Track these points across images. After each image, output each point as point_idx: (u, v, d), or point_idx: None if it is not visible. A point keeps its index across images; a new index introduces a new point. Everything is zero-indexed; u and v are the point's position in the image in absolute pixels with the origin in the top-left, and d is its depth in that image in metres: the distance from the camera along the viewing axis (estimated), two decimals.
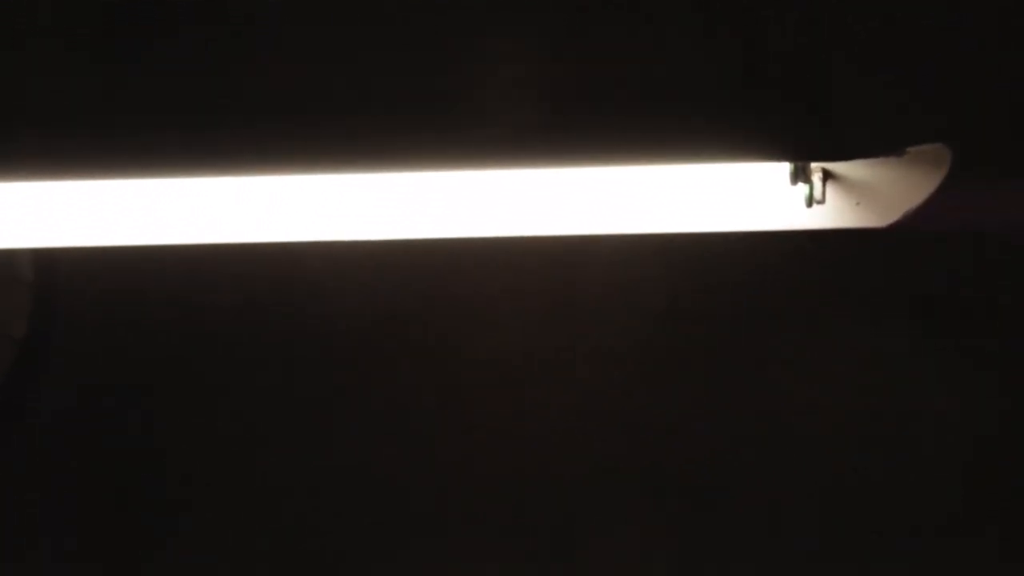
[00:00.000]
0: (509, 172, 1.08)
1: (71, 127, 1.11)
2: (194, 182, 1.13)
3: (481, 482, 2.56)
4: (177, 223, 1.17)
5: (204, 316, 2.62)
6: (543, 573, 2.40)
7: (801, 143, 1.00)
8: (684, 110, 1.04)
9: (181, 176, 1.11)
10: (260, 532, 2.51)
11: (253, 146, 1.07)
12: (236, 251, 1.28)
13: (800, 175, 1.04)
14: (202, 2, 1.26)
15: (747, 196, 1.08)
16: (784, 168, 1.05)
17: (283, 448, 2.65)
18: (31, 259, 1.82)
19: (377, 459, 2.63)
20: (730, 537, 2.40)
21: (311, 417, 2.69)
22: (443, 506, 2.52)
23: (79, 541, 2.58)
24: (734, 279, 2.51)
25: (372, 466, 2.63)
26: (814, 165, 1.04)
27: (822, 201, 1.05)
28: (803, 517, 2.37)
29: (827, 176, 1.05)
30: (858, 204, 1.07)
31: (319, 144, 1.08)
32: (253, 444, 2.66)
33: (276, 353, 2.64)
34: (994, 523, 2.29)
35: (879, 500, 2.37)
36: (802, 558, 2.35)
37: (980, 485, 2.32)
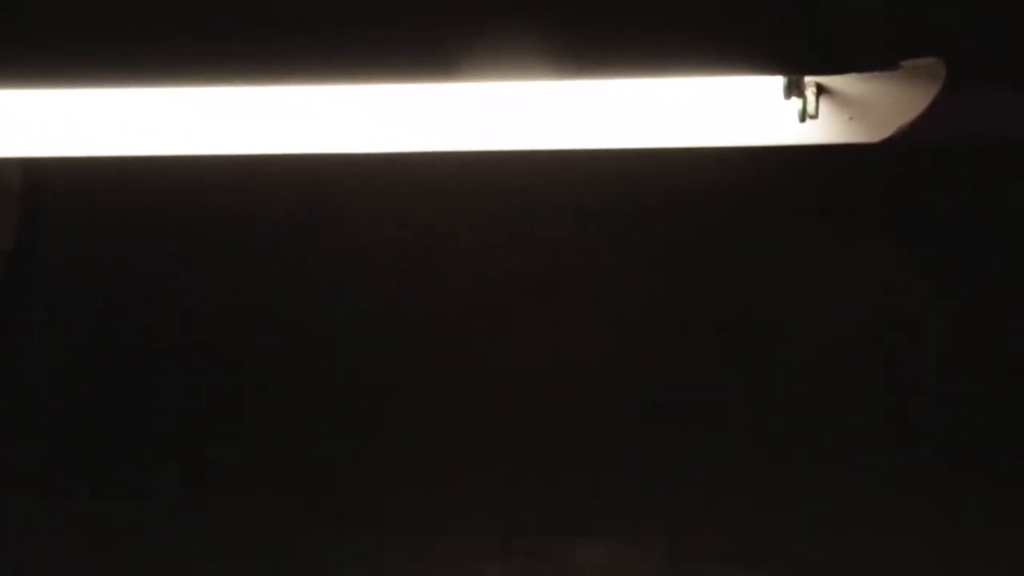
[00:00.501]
0: (493, 85, 1.07)
1: (60, 35, 1.08)
2: (182, 92, 1.12)
3: (474, 406, 2.62)
4: (165, 134, 1.16)
5: (191, 227, 2.63)
6: (533, 497, 2.49)
7: (795, 57, 0.99)
8: (676, 22, 1.02)
9: (171, 86, 1.09)
10: (245, 437, 2.58)
11: (241, 56, 1.06)
12: (223, 162, 1.27)
13: (793, 89, 1.04)
14: None
15: (739, 111, 1.08)
16: (777, 82, 1.04)
17: (270, 361, 2.69)
18: (19, 170, 1.81)
19: (369, 375, 2.67)
20: (719, 455, 2.48)
21: (298, 330, 2.72)
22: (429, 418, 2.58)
23: (69, 454, 2.64)
24: (725, 195, 2.52)
25: (362, 383, 2.68)
26: (808, 79, 1.04)
27: (815, 116, 1.04)
28: (792, 433, 2.44)
29: (820, 91, 1.05)
30: (851, 119, 1.07)
31: (307, 55, 1.06)
32: (240, 354, 2.71)
33: (265, 265, 2.66)
34: (980, 435, 2.37)
35: (867, 416, 2.45)
36: (791, 473, 2.44)
37: (965, 398, 2.39)
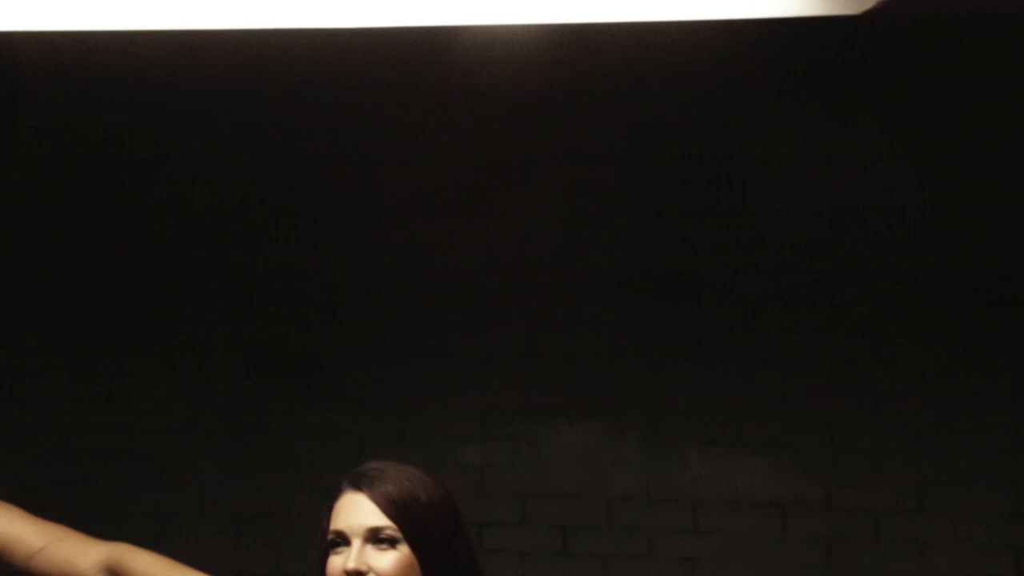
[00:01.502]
0: None
1: None
2: None
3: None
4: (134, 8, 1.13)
5: (163, 91, 2.56)
6: (512, 381, 2.50)
7: None
8: None
9: None
10: (229, 313, 2.57)
11: None
12: (196, 35, 1.24)
13: None
14: None
15: None
16: None
17: (250, 230, 2.65)
18: None
19: (351, 260, 2.65)
20: (695, 336, 2.51)
21: (281, 206, 2.68)
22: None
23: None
24: (703, 73, 2.45)
25: (343, 268, 2.66)
26: None
27: None
28: (766, 313, 2.46)
29: None
30: None
31: None
32: (215, 214, 2.68)
33: (228, 129, 2.60)
34: (955, 309, 2.38)
35: (844, 294, 2.46)
36: (771, 353, 2.46)
37: (949, 275, 2.38)
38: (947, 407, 2.32)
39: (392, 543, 0.96)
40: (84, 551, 1.11)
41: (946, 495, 2.26)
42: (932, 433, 2.29)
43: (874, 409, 2.37)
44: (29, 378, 2.60)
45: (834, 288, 2.48)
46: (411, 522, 0.96)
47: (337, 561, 0.97)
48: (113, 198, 2.63)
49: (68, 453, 2.54)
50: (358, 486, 0.98)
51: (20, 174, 2.56)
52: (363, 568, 0.95)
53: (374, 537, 0.96)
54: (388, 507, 0.97)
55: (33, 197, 2.62)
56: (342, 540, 0.98)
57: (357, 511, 0.98)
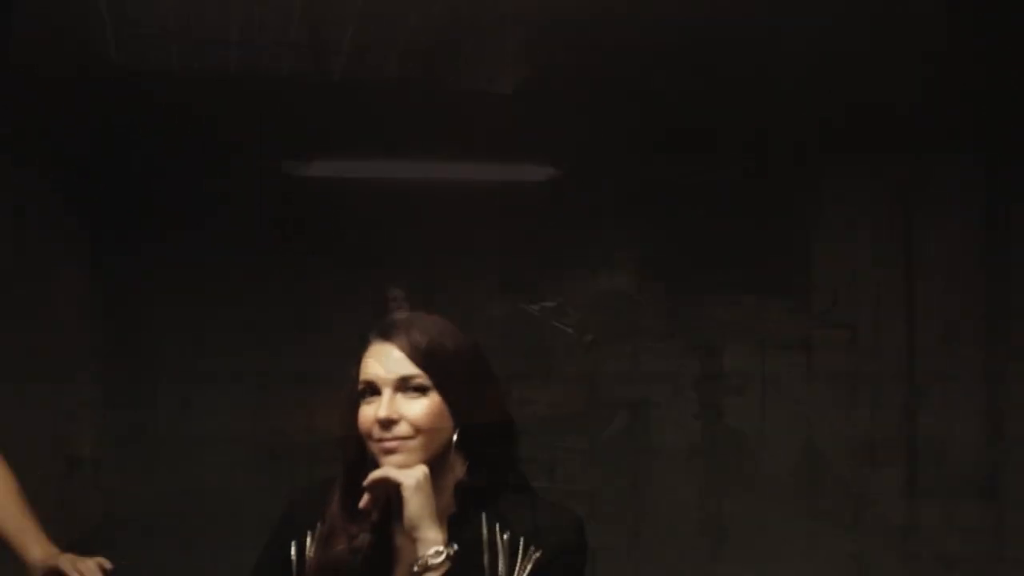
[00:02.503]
0: None
1: None
2: None
3: None
4: None
5: None
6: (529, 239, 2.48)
7: None
8: None
9: None
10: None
11: None
12: None
13: None
14: None
15: None
16: None
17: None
18: None
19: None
20: (712, 189, 2.45)
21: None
22: None
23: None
24: None
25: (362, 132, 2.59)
26: None
27: None
28: (781, 163, 2.39)
29: None
30: None
31: None
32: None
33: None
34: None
35: (852, 129, 2.37)
36: (782, 204, 2.41)
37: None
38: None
39: (422, 391, 0.96)
40: None
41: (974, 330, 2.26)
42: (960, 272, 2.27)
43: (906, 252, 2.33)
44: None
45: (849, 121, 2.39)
46: (440, 370, 0.96)
47: (368, 411, 0.97)
48: None
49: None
50: (387, 336, 0.97)
51: None
52: (394, 416, 0.95)
53: (404, 386, 0.96)
54: (417, 356, 0.96)
55: None
56: (372, 390, 0.97)
57: (386, 360, 0.97)
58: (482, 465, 1.00)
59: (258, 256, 2.49)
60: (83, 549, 1.32)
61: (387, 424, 0.94)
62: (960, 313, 2.41)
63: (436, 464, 0.96)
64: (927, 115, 2.33)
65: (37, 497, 1.34)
